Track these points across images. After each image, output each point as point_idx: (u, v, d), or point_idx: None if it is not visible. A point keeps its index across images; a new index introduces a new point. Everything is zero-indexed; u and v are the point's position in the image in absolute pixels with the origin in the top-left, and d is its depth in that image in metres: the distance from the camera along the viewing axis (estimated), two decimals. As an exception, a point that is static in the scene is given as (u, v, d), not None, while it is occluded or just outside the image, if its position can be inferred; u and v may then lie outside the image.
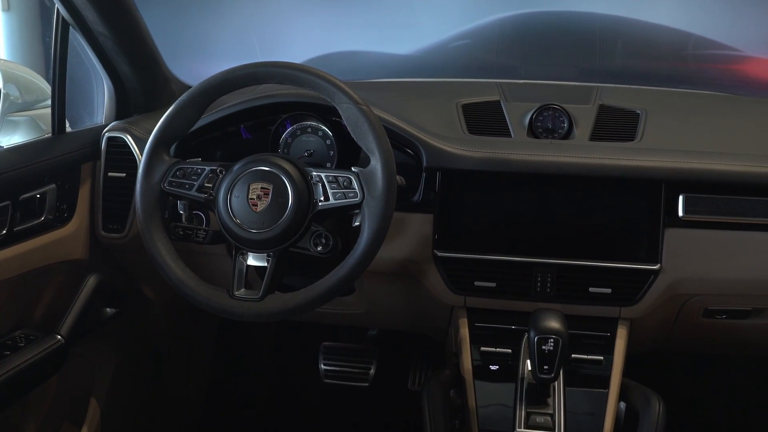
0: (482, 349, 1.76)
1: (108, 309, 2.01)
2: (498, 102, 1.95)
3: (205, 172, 1.61)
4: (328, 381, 2.62)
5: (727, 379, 2.68)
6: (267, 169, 1.56)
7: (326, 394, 2.69)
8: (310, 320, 2.25)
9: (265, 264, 1.57)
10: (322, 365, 2.62)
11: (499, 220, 1.79)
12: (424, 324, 2.05)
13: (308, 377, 2.65)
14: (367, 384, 2.59)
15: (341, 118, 1.56)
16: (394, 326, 2.26)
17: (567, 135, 1.86)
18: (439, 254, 1.79)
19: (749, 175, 1.73)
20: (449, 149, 1.76)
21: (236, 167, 1.58)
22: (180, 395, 2.51)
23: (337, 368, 2.62)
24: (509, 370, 1.72)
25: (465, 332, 1.79)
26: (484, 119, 1.90)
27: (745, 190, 1.74)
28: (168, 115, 1.62)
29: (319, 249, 1.58)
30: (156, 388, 2.37)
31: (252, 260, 1.59)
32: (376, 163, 1.52)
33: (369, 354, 2.62)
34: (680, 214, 1.74)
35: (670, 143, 1.82)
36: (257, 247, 1.57)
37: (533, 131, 1.87)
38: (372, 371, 2.59)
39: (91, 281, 1.92)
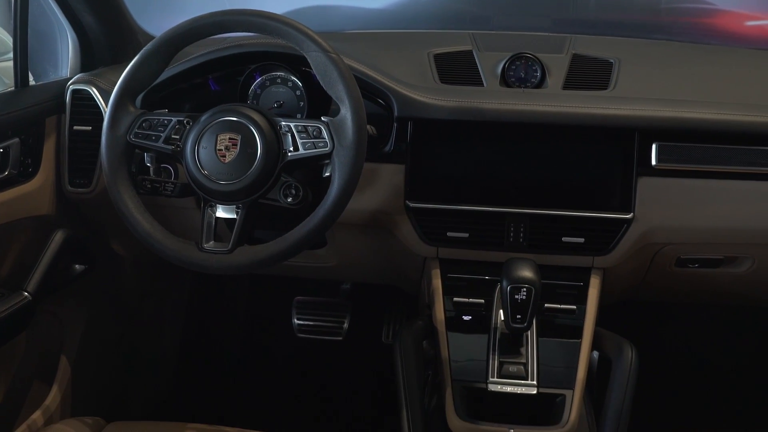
0: (455, 299, 1.75)
1: (77, 265, 1.98)
2: (470, 52, 1.92)
3: (171, 123, 1.58)
4: (301, 335, 2.61)
5: (699, 328, 2.70)
6: (235, 119, 1.54)
7: (300, 349, 2.68)
8: (283, 274, 2.23)
9: (235, 216, 1.55)
10: (295, 320, 2.61)
11: (471, 170, 1.77)
12: (397, 276, 2.04)
13: (282, 332, 2.64)
14: (340, 338, 2.58)
15: (311, 68, 1.53)
16: (367, 279, 2.25)
17: (540, 84, 1.84)
18: (411, 205, 1.77)
19: (722, 123, 1.73)
20: (421, 98, 1.74)
21: (203, 118, 1.56)
22: (152, 352, 2.49)
23: (311, 323, 2.60)
24: (482, 321, 1.72)
25: (438, 283, 1.78)
26: (456, 69, 1.88)
27: (717, 139, 1.74)
28: (132, 66, 1.59)
29: (289, 200, 1.56)
30: (128, 345, 2.36)
31: (221, 212, 1.57)
32: (346, 112, 1.50)
33: (342, 308, 2.61)
34: (653, 162, 1.73)
35: (644, 92, 1.81)
36: (226, 199, 1.54)
37: (506, 81, 1.85)
38: (345, 325, 2.59)
39: (59, 237, 1.89)
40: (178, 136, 1.57)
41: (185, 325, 2.67)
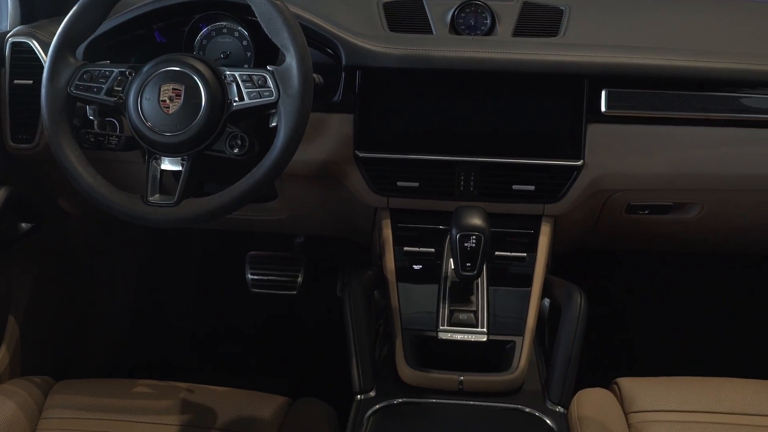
0: (405, 249, 1.75)
1: (23, 224, 1.94)
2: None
3: (113, 75, 1.54)
4: (255, 290, 2.59)
5: (648, 275, 2.74)
6: (178, 69, 1.51)
7: (254, 304, 2.67)
8: (236, 229, 2.22)
9: (180, 168, 1.53)
10: (249, 275, 2.59)
11: (420, 119, 1.76)
12: (349, 228, 2.04)
13: (235, 287, 2.62)
14: (295, 292, 2.57)
15: (257, 17, 1.50)
16: (319, 231, 2.25)
17: (489, 32, 1.83)
18: (361, 155, 1.76)
19: (670, 69, 1.73)
20: (369, 47, 1.72)
21: (146, 68, 1.52)
22: (105, 311, 2.47)
23: (264, 277, 2.59)
24: (433, 270, 1.72)
25: (388, 233, 1.78)
26: (405, 17, 1.86)
27: (667, 85, 1.74)
28: (71, 16, 1.55)
29: (235, 151, 1.54)
30: (79, 304, 2.33)
31: (167, 165, 1.54)
32: (291, 60, 1.48)
33: (296, 262, 2.59)
34: (603, 109, 1.73)
35: (594, 38, 1.80)
36: (171, 151, 1.52)
37: (455, 28, 1.83)
38: (300, 279, 2.57)
39: (2, 194, 1.85)
40: (120, 88, 1.54)
41: (138, 283, 2.64)
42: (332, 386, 1.75)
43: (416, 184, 1.77)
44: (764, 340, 2.60)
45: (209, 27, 1.79)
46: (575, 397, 1.63)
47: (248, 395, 1.67)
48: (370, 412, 1.51)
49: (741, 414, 1.59)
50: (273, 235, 2.57)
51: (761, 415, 1.59)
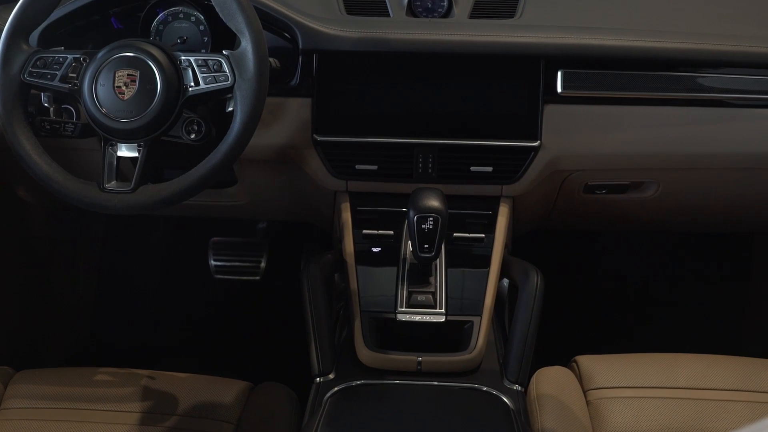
0: (364, 232, 1.75)
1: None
2: None
3: (67, 61, 1.54)
4: (218, 276, 2.59)
5: (607, 254, 2.78)
6: (132, 54, 1.51)
7: (218, 290, 2.66)
8: (197, 215, 2.21)
9: (137, 154, 1.53)
10: (212, 261, 2.58)
11: (378, 102, 1.76)
12: (309, 212, 2.03)
13: (199, 274, 2.61)
14: (258, 278, 2.57)
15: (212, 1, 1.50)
16: (280, 216, 2.25)
17: (447, 14, 1.83)
18: (319, 138, 1.76)
19: (625, 50, 1.74)
20: (325, 30, 1.72)
21: (100, 54, 1.52)
22: (67, 299, 2.46)
23: (228, 263, 2.58)
24: (391, 252, 1.72)
25: (347, 216, 1.78)
26: (362, 0, 1.86)
27: (623, 65, 1.75)
28: (23, 2, 1.53)
29: (192, 137, 1.54)
30: (41, 294, 2.32)
31: (123, 151, 1.54)
32: (246, 45, 1.48)
33: (259, 247, 2.59)
34: (559, 90, 1.73)
35: (550, 19, 1.81)
36: (127, 137, 1.52)
37: (412, 11, 1.83)
38: (263, 264, 2.57)
39: None
40: (75, 75, 1.53)
41: (101, 272, 2.63)
42: (294, 370, 1.76)
43: (375, 167, 1.78)
44: (718, 315, 2.64)
45: (166, 12, 1.77)
46: (534, 376, 1.65)
47: (210, 381, 1.67)
48: (328, 394, 1.52)
49: (696, 389, 1.61)
50: (236, 221, 2.57)
51: (715, 389, 1.62)
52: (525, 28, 1.76)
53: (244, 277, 2.57)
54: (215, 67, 1.50)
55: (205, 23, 1.76)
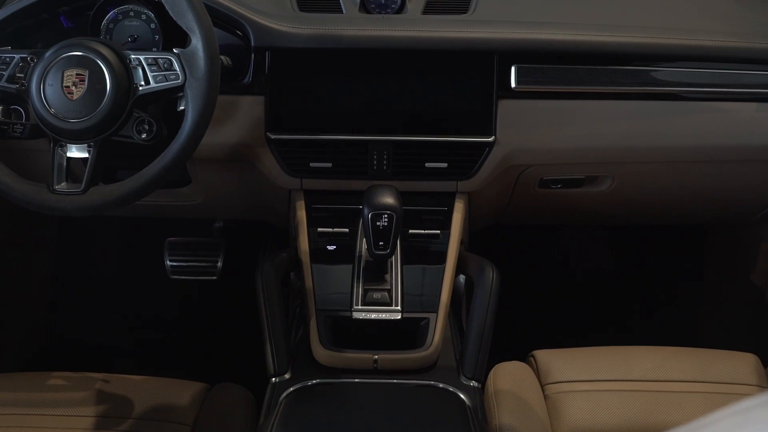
0: (319, 230, 1.74)
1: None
2: None
3: (14, 61, 1.51)
4: (175, 277, 2.56)
5: (563, 248, 2.79)
6: (81, 54, 1.48)
7: (175, 291, 2.64)
8: (152, 215, 2.19)
9: (87, 155, 1.50)
10: (167, 261, 2.56)
11: (332, 100, 1.75)
12: (264, 211, 2.02)
13: (155, 275, 2.59)
14: (215, 277, 2.55)
15: None
16: (236, 215, 2.23)
17: (400, 10, 1.83)
18: (272, 137, 1.74)
19: (578, 44, 1.74)
20: (278, 27, 1.71)
21: (48, 54, 1.49)
22: (21, 304, 2.42)
23: (184, 263, 2.55)
24: (347, 250, 1.71)
25: (302, 214, 1.77)
26: None
27: (576, 60, 1.75)
28: None
29: (143, 136, 1.52)
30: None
31: (73, 152, 1.52)
32: (197, 43, 1.46)
33: (215, 247, 2.56)
34: (513, 85, 1.74)
35: (503, 15, 1.81)
36: (76, 138, 1.49)
37: (365, 7, 1.83)
38: (219, 264, 2.55)
39: None
40: (22, 75, 1.51)
41: (55, 274, 2.59)
42: (251, 370, 1.75)
43: (329, 165, 1.77)
44: (674, 308, 2.67)
45: (116, 10, 1.75)
46: (492, 371, 1.65)
47: (165, 383, 1.65)
48: (284, 394, 1.50)
49: (651, 381, 1.63)
50: (192, 220, 2.55)
51: (671, 381, 1.63)
52: (478, 24, 1.76)
53: (201, 277, 2.55)
54: (165, 65, 1.48)
55: (156, 21, 1.74)
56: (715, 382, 1.64)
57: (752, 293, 2.31)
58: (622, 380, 1.63)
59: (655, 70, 1.78)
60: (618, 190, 1.93)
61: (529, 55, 1.74)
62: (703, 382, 1.64)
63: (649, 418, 1.56)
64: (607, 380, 1.63)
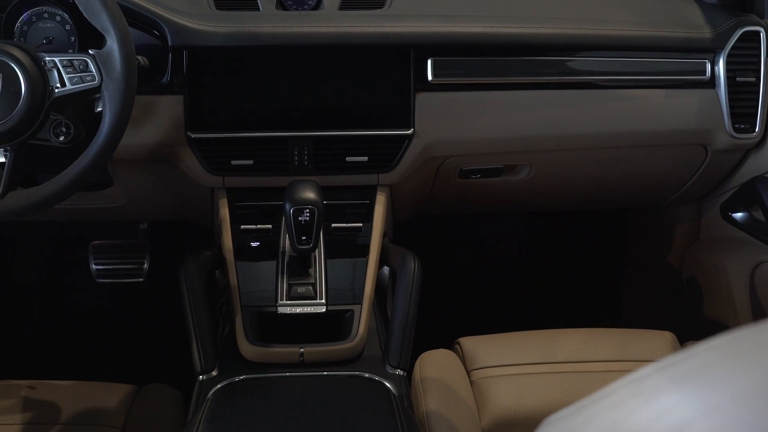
0: (242, 227, 1.75)
1: None
2: None
3: None
4: (101, 280, 2.54)
5: (487, 236, 2.84)
6: None
7: (101, 294, 2.61)
8: (75, 219, 2.16)
9: (4, 159, 1.48)
10: (93, 265, 2.53)
11: (252, 97, 1.76)
12: (189, 210, 2.02)
13: (81, 279, 2.56)
14: (141, 279, 2.53)
15: None
16: (160, 216, 2.21)
17: (317, 6, 1.83)
18: (193, 135, 1.74)
19: (491, 36, 1.78)
20: (194, 26, 1.70)
21: None
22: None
23: (109, 266, 2.53)
24: (271, 246, 1.72)
25: (225, 212, 1.77)
26: None
27: (492, 51, 1.79)
28: None
29: (61, 139, 1.50)
30: None
31: None
32: (112, 43, 1.45)
33: (141, 248, 2.54)
34: (429, 78, 1.76)
35: (419, 9, 1.83)
36: None
37: (282, 4, 1.83)
38: (146, 266, 2.53)
39: None
40: None
41: None
42: (180, 370, 1.74)
43: (251, 162, 1.77)
44: (595, 291, 2.73)
45: (29, 12, 1.72)
46: (418, 360, 1.67)
47: (93, 386, 1.64)
48: (212, 391, 1.51)
49: (573, 362, 1.67)
50: (116, 222, 2.52)
51: (593, 362, 1.68)
52: (394, 18, 1.78)
53: (127, 280, 2.53)
54: (81, 67, 1.47)
55: (71, 22, 1.72)
56: (635, 360, 1.69)
57: (670, 273, 2.38)
58: (546, 362, 1.67)
59: (570, 60, 1.83)
60: (536, 177, 1.97)
61: (444, 48, 1.77)
62: (623, 360, 1.69)
63: (573, 398, 1.58)
64: (531, 363, 1.67)
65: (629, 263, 2.68)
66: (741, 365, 0.51)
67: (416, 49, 1.76)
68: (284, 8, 1.83)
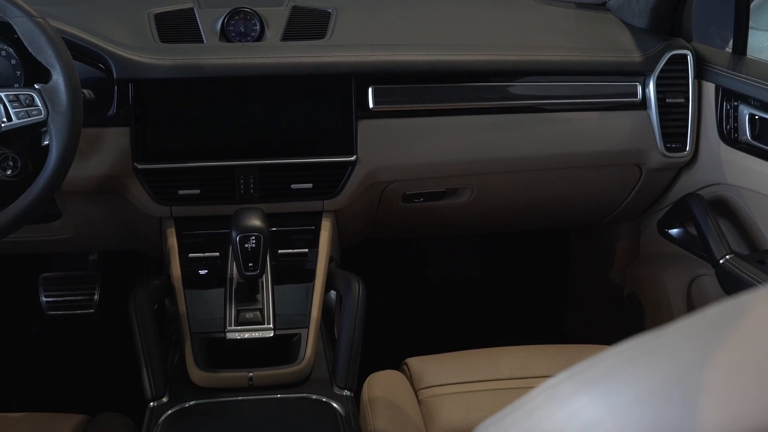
0: (190, 255, 1.77)
1: None
2: (191, 9, 1.92)
3: None
4: (51, 313, 2.53)
5: (432, 259, 2.89)
6: None
7: (52, 326, 2.61)
8: (24, 252, 2.16)
9: None
10: (43, 297, 2.52)
11: (197, 127, 1.79)
12: (137, 240, 2.03)
13: (31, 312, 2.55)
14: (92, 310, 2.53)
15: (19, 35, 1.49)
16: (110, 246, 2.23)
17: (259, 37, 1.87)
18: (140, 166, 1.76)
19: (430, 64, 1.84)
20: (138, 59, 1.73)
21: None
22: None
23: (60, 298, 2.52)
24: (218, 273, 1.75)
25: (173, 241, 1.79)
26: (176, 27, 1.87)
27: (431, 78, 1.84)
28: None
29: (8, 173, 1.53)
30: None
31: None
32: (57, 78, 1.48)
33: (91, 279, 2.54)
34: (371, 105, 1.81)
35: (360, 38, 1.88)
36: None
37: (226, 36, 1.86)
38: (96, 297, 2.53)
39: None
40: None
41: None
42: (131, 398, 1.75)
43: (197, 191, 1.80)
44: (540, 309, 2.79)
45: (-26, 47, 1.75)
46: (366, 381, 1.70)
47: (44, 417, 1.64)
48: (162, 417, 1.53)
49: (518, 378, 1.71)
50: (66, 254, 2.52)
51: (537, 377, 1.71)
52: (335, 48, 1.82)
53: (78, 311, 2.53)
54: (27, 101, 1.49)
55: (17, 57, 1.73)
56: None
57: (612, 289, 2.44)
58: (492, 380, 1.71)
59: (509, 85, 1.89)
60: (478, 200, 2.02)
61: (385, 76, 1.82)
62: (563, 374, 1.73)
63: (517, 413, 1.64)
64: (477, 381, 1.71)
65: (573, 280, 2.74)
66: (641, 369, 0.55)
67: (357, 77, 1.80)
68: (228, 40, 1.86)
